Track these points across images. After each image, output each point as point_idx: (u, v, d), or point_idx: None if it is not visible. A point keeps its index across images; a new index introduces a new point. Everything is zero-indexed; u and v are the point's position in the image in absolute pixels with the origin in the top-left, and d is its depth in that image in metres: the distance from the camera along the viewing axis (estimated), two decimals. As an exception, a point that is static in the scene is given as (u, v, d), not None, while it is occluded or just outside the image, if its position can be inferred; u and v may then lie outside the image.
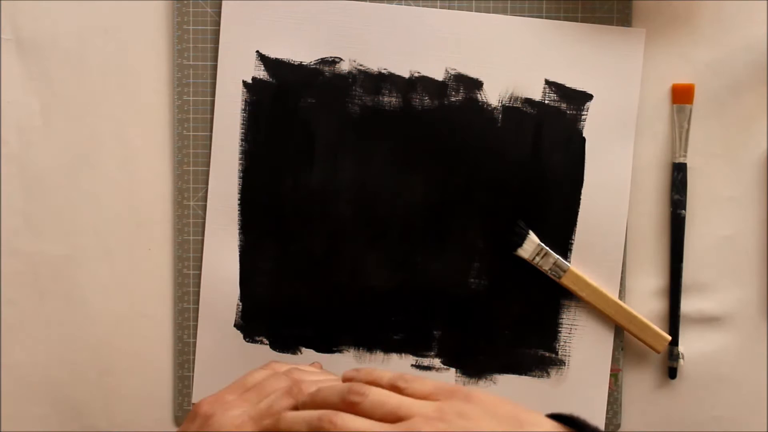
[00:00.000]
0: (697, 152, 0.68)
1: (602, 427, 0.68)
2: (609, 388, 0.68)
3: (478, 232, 0.68)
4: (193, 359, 0.69)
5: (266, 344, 0.68)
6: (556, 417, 0.46)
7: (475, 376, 0.68)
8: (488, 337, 0.68)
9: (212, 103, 0.68)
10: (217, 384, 0.68)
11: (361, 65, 0.67)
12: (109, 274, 0.69)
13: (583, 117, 0.67)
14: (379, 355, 0.68)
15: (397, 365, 0.68)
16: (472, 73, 0.67)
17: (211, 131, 0.68)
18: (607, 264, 0.68)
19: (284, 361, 0.60)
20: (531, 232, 0.67)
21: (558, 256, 0.67)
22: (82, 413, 0.69)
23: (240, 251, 0.68)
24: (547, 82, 0.67)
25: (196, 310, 0.69)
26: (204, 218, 0.68)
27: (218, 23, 0.67)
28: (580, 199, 0.67)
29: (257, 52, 0.67)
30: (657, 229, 0.68)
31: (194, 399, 0.69)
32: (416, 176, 0.67)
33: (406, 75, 0.67)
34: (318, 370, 0.57)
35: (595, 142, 0.67)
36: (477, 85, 0.67)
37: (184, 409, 0.69)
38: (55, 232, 0.69)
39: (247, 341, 0.69)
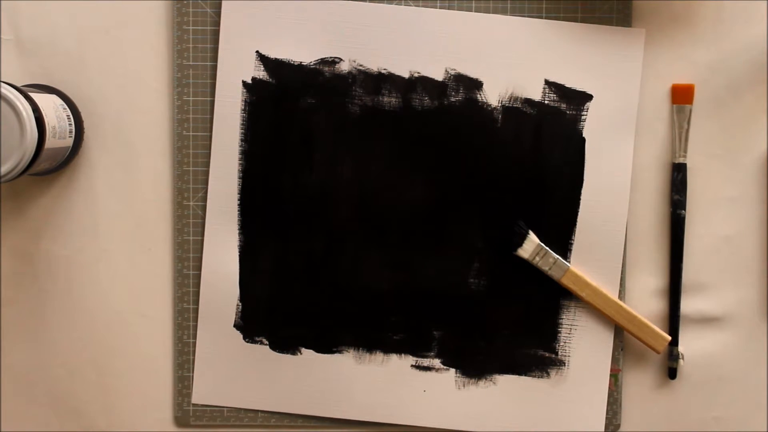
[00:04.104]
0: (697, 152, 0.68)
1: (602, 427, 0.68)
2: (609, 388, 0.68)
3: (478, 232, 0.68)
4: (193, 359, 0.69)
5: (266, 344, 0.68)
6: None
7: (474, 377, 0.68)
8: (488, 338, 0.68)
9: (212, 103, 0.68)
10: (217, 384, 0.69)
11: (361, 65, 0.67)
12: (109, 274, 0.69)
13: (583, 117, 0.67)
14: (379, 356, 0.68)
15: (397, 365, 0.68)
16: (472, 73, 0.67)
17: (211, 131, 0.68)
18: (607, 264, 0.68)
19: None
20: (531, 232, 0.67)
21: (558, 256, 0.67)
22: (82, 413, 0.69)
23: (240, 251, 0.68)
24: (547, 82, 0.67)
25: (196, 310, 0.69)
26: (204, 218, 0.68)
27: (218, 23, 0.67)
28: (580, 199, 0.67)
29: (257, 52, 0.67)
30: (657, 229, 0.68)
31: (194, 399, 0.69)
32: (416, 176, 0.67)
33: (406, 75, 0.67)
34: None
35: (595, 142, 0.67)
36: (477, 85, 0.67)
37: (183, 409, 0.69)
38: (54, 232, 0.69)
39: (247, 341, 0.69)
